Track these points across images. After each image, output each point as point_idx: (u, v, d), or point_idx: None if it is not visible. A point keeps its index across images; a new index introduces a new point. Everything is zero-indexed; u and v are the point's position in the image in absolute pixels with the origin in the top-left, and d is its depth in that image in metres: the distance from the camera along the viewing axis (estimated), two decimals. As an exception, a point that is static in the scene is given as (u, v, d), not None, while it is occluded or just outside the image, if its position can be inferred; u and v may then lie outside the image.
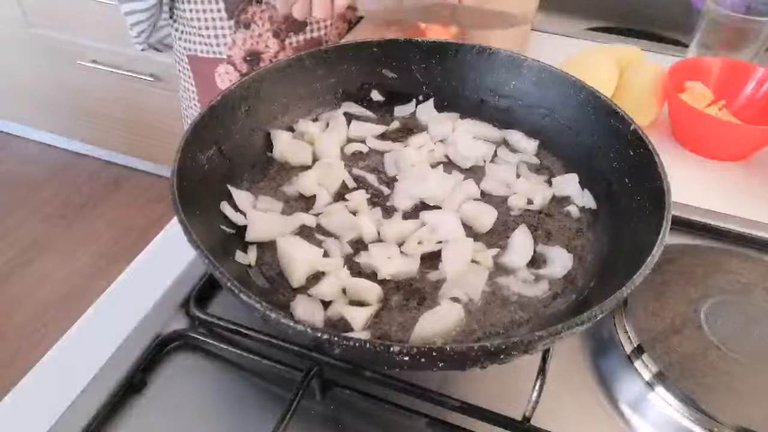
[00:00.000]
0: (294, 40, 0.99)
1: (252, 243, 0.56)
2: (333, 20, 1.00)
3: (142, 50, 1.09)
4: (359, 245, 0.57)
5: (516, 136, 0.69)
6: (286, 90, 0.67)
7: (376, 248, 0.55)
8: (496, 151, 0.68)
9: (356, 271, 0.54)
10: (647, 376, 0.52)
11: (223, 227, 0.56)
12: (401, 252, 0.55)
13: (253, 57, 0.99)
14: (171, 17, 1.03)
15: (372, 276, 0.53)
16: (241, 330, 0.53)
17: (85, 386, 0.50)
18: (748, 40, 0.88)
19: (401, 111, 0.72)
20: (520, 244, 0.57)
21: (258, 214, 0.58)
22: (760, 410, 0.48)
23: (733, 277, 0.59)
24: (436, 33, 0.91)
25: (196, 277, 0.59)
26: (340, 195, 0.62)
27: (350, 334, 0.44)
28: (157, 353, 0.53)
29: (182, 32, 1.02)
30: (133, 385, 0.51)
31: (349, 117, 0.71)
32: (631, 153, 0.57)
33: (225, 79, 1.01)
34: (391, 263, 0.54)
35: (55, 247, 2.07)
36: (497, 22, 0.76)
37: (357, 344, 0.38)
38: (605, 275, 0.52)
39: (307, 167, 0.65)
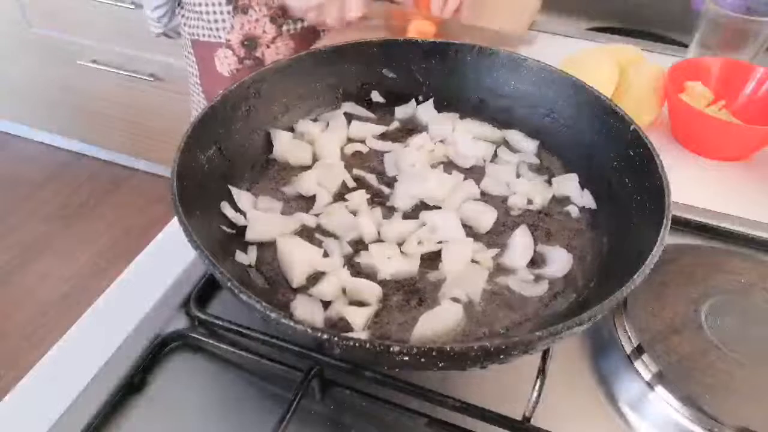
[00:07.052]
0: (291, 27, 1.01)
1: (252, 243, 0.56)
2: None
3: (157, 36, 1.12)
4: (359, 245, 0.57)
5: (516, 136, 0.69)
6: (286, 90, 0.67)
7: (376, 248, 0.55)
8: (496, 151, 0.68)
9: (356, 271, 0.54)
10: (647, 376, 0.51)
11: (223, 227, 0.56)
12: (401, 252, 0.55)
13: (250, 42, 1.00)
14: (179, 4, 1.05)
15: (372, 276, 0.53)
16: (241, 330, 0.53)
17: (85, 386, 0.50)
18: (748, 40, 0.88)
19: (401, 111, 0.72)
20: (520, 244, 0.57)
21: (258, 214, 0.58)
22: (760, 410, 0.48)
23: (733, 277, 0.59)
24: (416, 31, 0.90)
25: (196, 277, 0.59)
26: (340, 195, 0.62)
27: (350, 334, 0.44)
28: (157, 353, 0.53)
29: (187, 17, 1.04)
30: (133, 385, 0.51)
31: (349, 117, 0.71)
32: (631, 153, 0.56)
33: (224, 62, 1.03)
34: (391, 263, 0.54)
35: (55, 247, 2.07)
36: (486, 40, 0.77)
37: (357, 344, 0.38)
38: (605, 275, 0.52)
39: (307, 167, 0.65)
